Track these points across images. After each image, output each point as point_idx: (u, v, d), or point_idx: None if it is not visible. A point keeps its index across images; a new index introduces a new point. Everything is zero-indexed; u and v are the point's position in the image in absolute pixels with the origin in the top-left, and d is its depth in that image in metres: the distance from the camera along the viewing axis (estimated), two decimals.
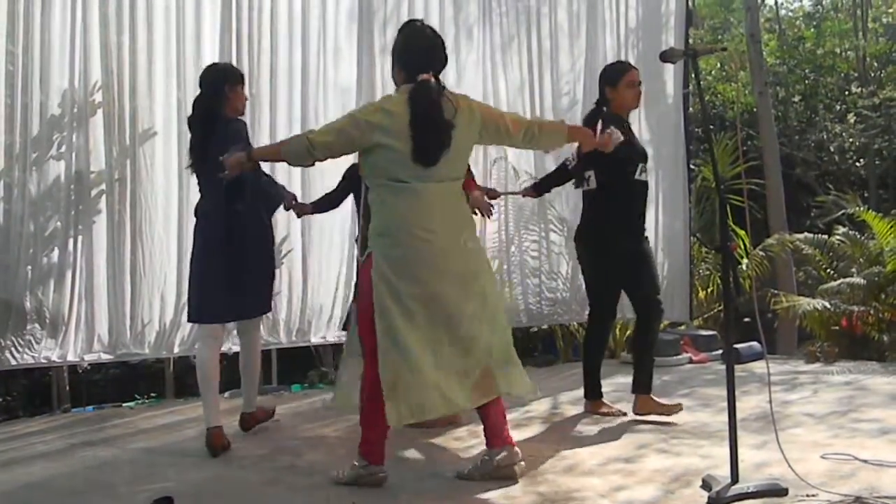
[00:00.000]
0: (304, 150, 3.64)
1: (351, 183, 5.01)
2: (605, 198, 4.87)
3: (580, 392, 5.35)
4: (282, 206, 5.04)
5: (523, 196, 5.79)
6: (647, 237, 5.02)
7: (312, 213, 5.41)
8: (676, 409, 4.82)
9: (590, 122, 4.63)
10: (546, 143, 3.99)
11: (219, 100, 4.61)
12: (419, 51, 3.68)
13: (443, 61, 3.72)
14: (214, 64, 5.21)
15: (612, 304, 5.08)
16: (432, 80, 3.58)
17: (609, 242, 4.86)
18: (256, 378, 4.93)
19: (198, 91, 5.51)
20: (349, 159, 4.54)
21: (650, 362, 4.95)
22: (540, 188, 5.56)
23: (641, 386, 4.89)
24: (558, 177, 5.40)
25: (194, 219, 4.71)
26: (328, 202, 5.27)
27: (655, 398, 4.90)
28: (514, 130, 3.76)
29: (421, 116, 3.52)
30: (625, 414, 4.92)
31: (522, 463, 3.76)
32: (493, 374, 3.64)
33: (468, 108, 3.64)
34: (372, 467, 3.69)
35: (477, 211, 4.96)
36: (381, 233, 3.60)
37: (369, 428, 3.69)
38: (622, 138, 4.41)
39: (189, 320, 4.87)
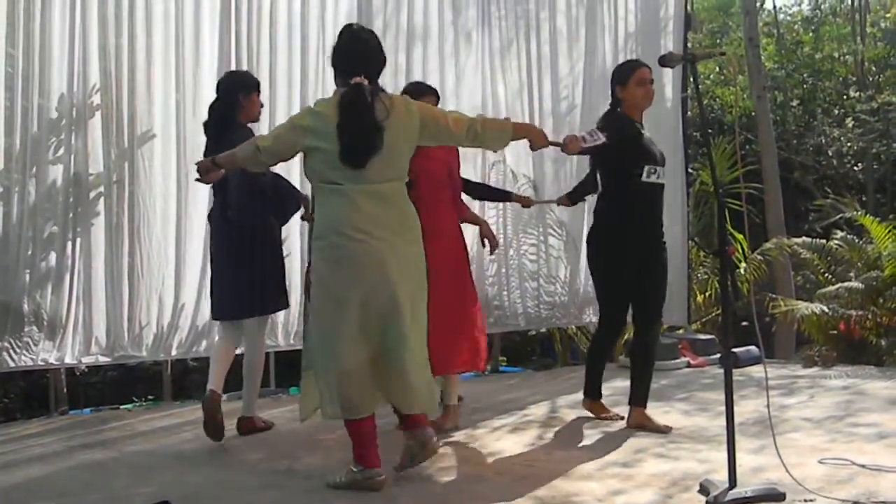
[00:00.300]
0: (253, 155, 3.77)
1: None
2: (607, 200, 4.79)
3: (578, 396, 5.35)
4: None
5: (558, 205, 5.77)
6: (662, 244, 4.78)
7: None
8: (667, 430, 4.62)
9: (601, 125, 4.62)
10: (491, 142, 3.94)
11: (233, 107, 4.73)
12: (352, 54, 3.72)
13: (379, 63, 3.76)
14: (232, 72, 5.31)
15: (615, 311, 4.83)
16: (365, 82, 3.61)
17: (610, 247, 4.73)
18: (257, 383, 4.91)
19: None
20: None
21: (642, 375, 4.79)
22: (574, 196, 5.46)
23: (634, 398, 4.78)
24: (592, 184, 5.40)
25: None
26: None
27: (648, 414, 4.75)
28: (457, 129, 3.76)
29: (348, 119, 3.57)
30: (622, 418, 4.88)
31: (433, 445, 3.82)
32: (407, 382, 3.67)
33: (404, 110, 3.67)
34: (367, 471, 3.68)
35: (484, 242, 5.17)
36: (317, 235, 3.69)
37: (352, 432, 3.72)
38: (600, 141, 4.33)
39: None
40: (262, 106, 4.96)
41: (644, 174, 4.61)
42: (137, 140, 5.76)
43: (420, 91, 4.77)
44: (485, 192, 5.74)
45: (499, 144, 3.99)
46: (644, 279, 4.71)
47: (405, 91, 4.82)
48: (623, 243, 4.66)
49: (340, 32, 3.86)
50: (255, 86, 4.87)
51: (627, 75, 4.74)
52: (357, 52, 3.73)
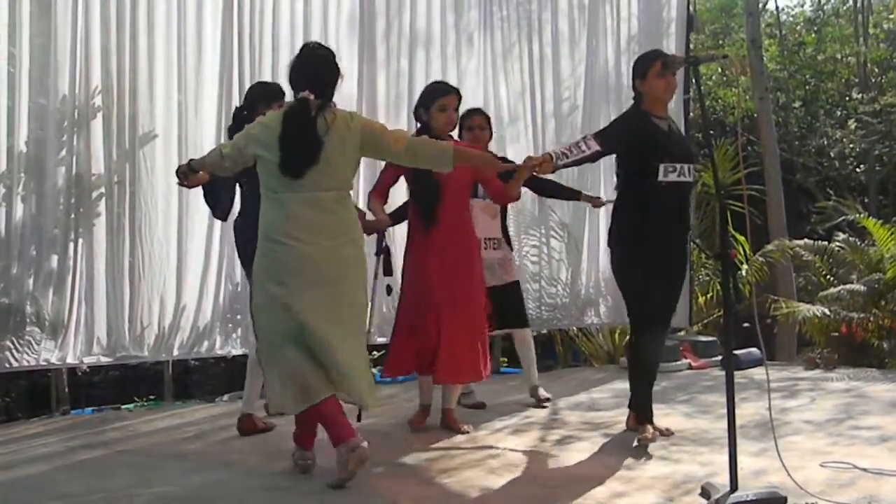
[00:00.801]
0: (219, 161, 4.00)
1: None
2: (622, 201, 4.50)
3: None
4: None
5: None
6: (684, 249, 4.45)
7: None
8: (668, 434, 4.54)
9: (609, 125, 4.54)
10: (430, 162, 4.05)
11: (252, 117, 4.73)
12: (301, 71, 3.92)
13: (328, 79, 3.90)
14: (259, 82, 5.35)
15: (645, 314, 4.41)
16: (311, 97, 3.81)
17: (623, 248, 4.45)
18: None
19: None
20: None
21: (636, 381, 4.54)
22: None
23: (630, 403, 4.63)
24: None
25: None
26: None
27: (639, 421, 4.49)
28: (396, 146, 3.94)
29: (289, 132, 3.79)
30: (671, 433, 4.60)
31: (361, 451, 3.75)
32: (346, 376, 3.81)
33: (345, 126, 3.85)
34: (298, 451, 4.06)
35: None
36: (259, 239, 3.90)
37: (303, 416, 3.92)
38: (588, 152, 4.16)
39: None
40: None
41: (661, 173, 4.25)
42: (139, 140, 5.78)
43: (445, 91, 4.78)
44: (555, 189, 5.91)
45: (439, 165, 4.05)
46: (639, 276, 4.36)
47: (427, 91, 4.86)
48: (641, 247, 4.32)
49: (300, 49, 4.08)
50: (277, 96, 4.87)
51: (647, 67, 4.37)
52: (306, 69, 3.92)
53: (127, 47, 5.73)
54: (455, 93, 4.80)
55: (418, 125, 4.83)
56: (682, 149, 4.37)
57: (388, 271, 5.00)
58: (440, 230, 4.62)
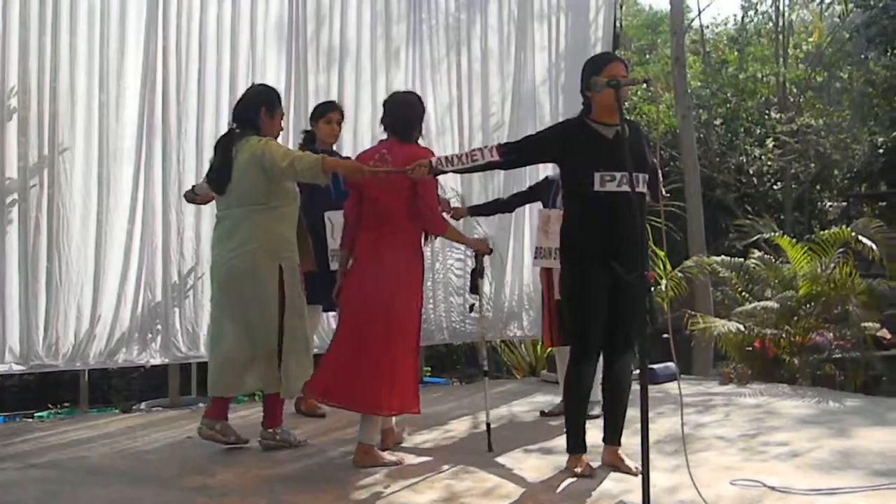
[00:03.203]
0: None
1: (532, 195, 5.84)
2: (565, 213, 4.32)
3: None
4: None
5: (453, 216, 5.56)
6: (636, 262, 3.65)
7: (470, 216, 6.01)
8: (636, 474, 4.01)
9: (549, 131, 4.51)
10: (307, 176, 4.37)
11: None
12: (234, 108, 4.76)
13: (247, 114, 4.59)
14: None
15: (578, 336, 4.22)
16: (234, 128, 4.60)
17: (570, 267, 4.24)
18: None
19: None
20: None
21: (570, 413, 4.30)
22: (477, 210, 5.99)
23: (606, 436, 4.33)
24: (508, 204, 5.59)
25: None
26: (495, 207, 6.09)
27: (621, 454, 4.24)
28: (282, 163, 4.32)
29: (215, 156, 4.66)
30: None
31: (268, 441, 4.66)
32: (264, 369, 4.48)
33: (249, 151, 4.43)
34: (204, 419, 4.61)
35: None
36: None
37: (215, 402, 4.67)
38: (480, 162, 4.09)
39: None
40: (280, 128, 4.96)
41: (596, 182, 4.03)
42: (58, 144, 5.63)
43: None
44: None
45: (315, 178, 4.36)
46: (612, 303, 4.12)
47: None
48: (582, 262, 4.14)
49: None
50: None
51: (596, 73, 4.12)
52: (235, 106, 4.74)
53: (48, 46, 5.58)
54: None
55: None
56: (628, 157, 3.74)
57: (474, 290, 5.01)
58: None
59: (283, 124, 4.85)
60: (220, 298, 4.57)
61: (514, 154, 4.24)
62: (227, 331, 4.50)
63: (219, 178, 4.54)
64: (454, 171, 4.28)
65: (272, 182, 4.42)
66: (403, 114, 4.58)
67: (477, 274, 4.95)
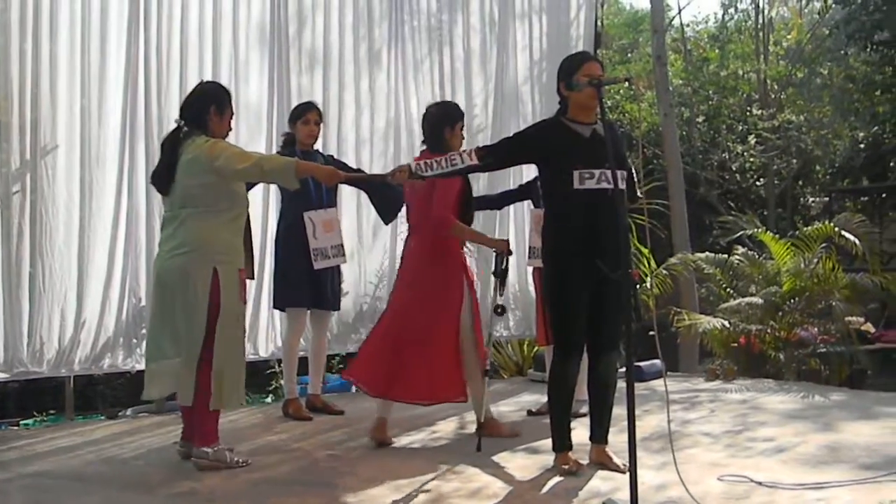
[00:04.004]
0: None
1: (522, 194, 5.90)
2: (545, 212, 4.34)
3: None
4: None
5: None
6: (619, 260, 3.75)
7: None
8: (624, 471, 3.98)
9: (525, 133, 4.50)
10: (276, 178, 4.41)
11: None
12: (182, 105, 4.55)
13: (193, 110, 4.42)
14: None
15: (565, 337, 4.22)
16: (182, 125, 4.40)
17: (553, 266, 4.24)
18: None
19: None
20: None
21: (555, 412, 4.34)
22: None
23: (593, 434, 4.34)
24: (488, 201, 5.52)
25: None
26: (484, 203, 5.94)
27: (609, 452, 4.25)
28: (237, 163, 4.23)
29: (161, 155, 4.49)
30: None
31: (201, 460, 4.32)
32: (181, 379, 4.26)
33: (194, 151, 4.28)
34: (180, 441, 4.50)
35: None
36: None
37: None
38: (460, 166, 4.09)
39: None
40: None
41: (576, 180, 4.04)
42: (40, 149, 5.59)
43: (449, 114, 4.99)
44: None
45: (285, 181, 4.37)
46: (596, 302, 4.13)
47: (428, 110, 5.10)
48: (563, 261, 4.15)
49: None
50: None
51: (573, 72, 4.15)
52: (183, 104, 4.54)
53: (29, 52, 5.54)
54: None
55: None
56: (607, 154, 3.84)
57: (500, 291, 5.00)
58: None
59: (231, 123, 4.58)
60: (151, 300, 4.50)
61: (493, 157, 4.27)
62: (154, 334, 4.40)
63: (162, 179, 4.40)
64: (434, 176, 4.23)
65: (221, 184, 4.27)
66: (426, 126, 4.97)
67: (502, 275, 4.94)
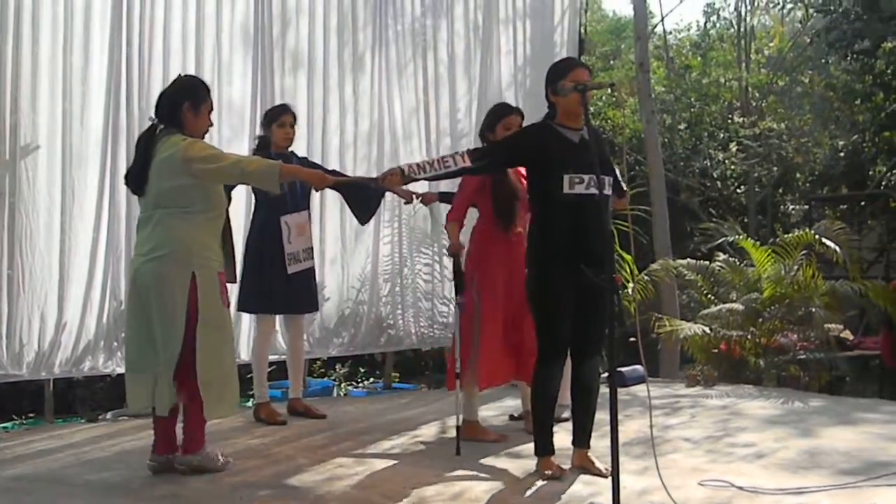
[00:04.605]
0: None
1: None
2: (532, 217, 4.34)
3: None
4: None
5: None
6: (603, 265, 3.63)
7: (441, 203, 5.80)
8: (606, 475, 4.05)
9: (516, 136, 4.54)
10: (258, 180, 4.25)
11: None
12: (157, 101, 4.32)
13: (163, 108, 4.22)
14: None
15: (547, 341, 4.23)
16: (157, 126, 4.21)
17: (538, 270, 4.24)
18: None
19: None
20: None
21: (579, 413, 4.33)
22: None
23: (575, 438, 4.37)
24: None
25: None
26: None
27: (591, 457, 4.29)
28: (213, 163, 4.09)
29: (135, 154, 4.32)
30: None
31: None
32: (157, 387, 4.12)
33: (168, 150, 4.11)
34: (152, 455, 4.30)
35: None
36: None
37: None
38: (452, 168, 4.07)
39: None
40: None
41: (565, 185, 4.06)
42: (20, 151, 5.55)
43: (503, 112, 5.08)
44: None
45: (267, 184, 4.19)
46: (579, 306, 4.15)
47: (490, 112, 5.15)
48: (549, 264, 4.16)
49: None
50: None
51: (560, 78, 4.14)
52: (157, 100, 4.31)
53: (9, 53, 5.50)
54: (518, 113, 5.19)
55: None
56: (595, 161, 3.79)
57: (459, 290, 5.11)
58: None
59: (211, 118, 4.38)
60: (128, 305, 4.33)
61: (486, 159, 4.27)
62: (132, 343, 4.25)
63: (136, 179, 4.21)
64: (426, 179, 4.23)
65: (196, 185, 4.11)
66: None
67: (459, 275, 5.04)
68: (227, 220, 4.42)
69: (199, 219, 4.15)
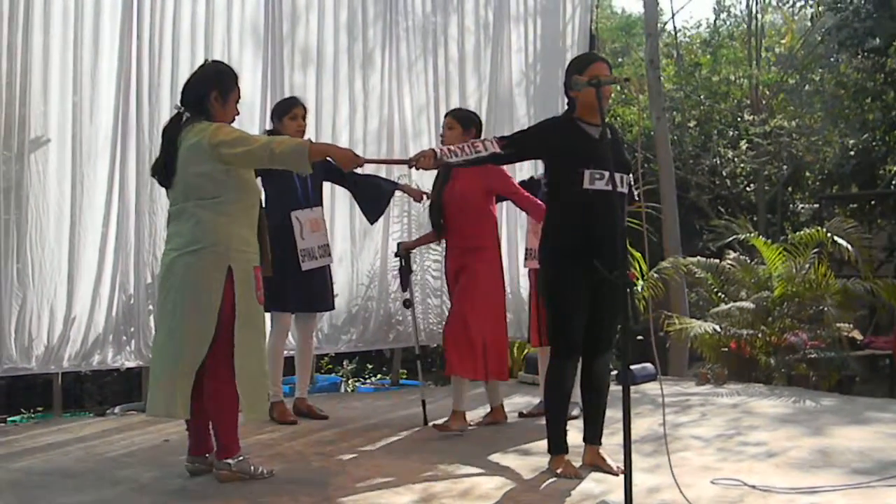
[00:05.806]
0: None
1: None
2: (549, 211, 4.33)
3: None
4: None
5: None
6: (618, 261, 3.73)
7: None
8: (618, 473, 4.06)
9: (541, 127, 4.46)
10: (288, 161, 3.94)
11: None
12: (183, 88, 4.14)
13: (190, 96, 4.05)
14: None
15: (561, 336, 4.20)
16: (182, 111, 4.05)
17: (548, 264, 4.23)
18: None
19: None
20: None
21: (551, 413, 4.29)
22: None
23: (586, 435, 4.35)
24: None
25: None
26: None
27: (602, 454, 4.28)
28: (242, 145, 3.89)
29: (161, 144, 4.11)
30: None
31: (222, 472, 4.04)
32: (180, 388, 3.94)
33: (194, 138, 3.92)
34: (189, 456, 4.18)
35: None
36: None
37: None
38: (484, 153, 4.02)
39: None
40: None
41: (586, 180, 4.04)
42: (31, 143, 5.54)
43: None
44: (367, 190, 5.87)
45: (297, 164, 3.94)
46: (592, 303, 4.13)
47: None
48: (564, 260, 4.13)
49: None
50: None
51: (578, 72, 4.12)
52: (184, 87, 4.12)
53: (19, 45, 5.50)
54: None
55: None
56: (617, 157, 3.97)
57: (405, 287, 5.52)
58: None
59: (238, 108, 4.19)
60: (158, 301, 4.13)
61: (514, 147, 4.19)
62: (161, 339, 4.06)
63: (162, 170, 4.04)
64: (457, 164, 4.14)
65: (226, 172, 3.92)
66: None
67: (406, 271, 5.47)
68: (262, 210, 4.21)
69: (233, 209, 3.95)
